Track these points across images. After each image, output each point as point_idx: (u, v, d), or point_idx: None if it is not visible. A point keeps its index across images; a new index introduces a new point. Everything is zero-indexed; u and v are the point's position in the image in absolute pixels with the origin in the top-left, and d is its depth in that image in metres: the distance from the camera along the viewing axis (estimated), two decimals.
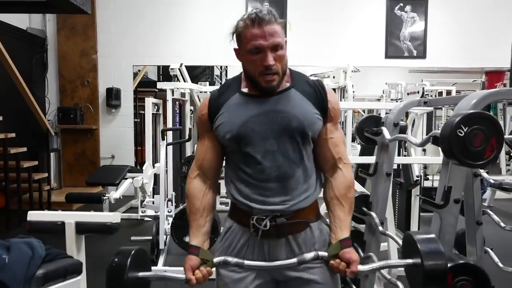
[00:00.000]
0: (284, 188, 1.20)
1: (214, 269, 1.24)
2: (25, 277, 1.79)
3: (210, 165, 1.30)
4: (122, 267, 1.13)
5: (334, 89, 4.17)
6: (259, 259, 1.23)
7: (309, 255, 1.19)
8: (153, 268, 2.37)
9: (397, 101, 5.43)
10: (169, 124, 4.12)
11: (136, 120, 6.32)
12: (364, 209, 1.93)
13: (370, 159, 2.34)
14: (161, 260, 3.29)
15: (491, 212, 2.09)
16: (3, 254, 1.81)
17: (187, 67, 4.73)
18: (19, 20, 5.44)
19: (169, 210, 3.52)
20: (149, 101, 4.31)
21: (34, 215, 2.11)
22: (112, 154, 6.04)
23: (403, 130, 1.94)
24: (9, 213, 4.17)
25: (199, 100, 5.07)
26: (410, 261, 1.13)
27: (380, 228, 1.82)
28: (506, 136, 5.50)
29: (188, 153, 4.67)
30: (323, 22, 5.94)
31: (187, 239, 3.14)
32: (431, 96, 5.70)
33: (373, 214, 1.87)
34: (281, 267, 1.20)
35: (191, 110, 5.03)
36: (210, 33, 5.86)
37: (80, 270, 2.05)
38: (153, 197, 4.13)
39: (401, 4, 5.92)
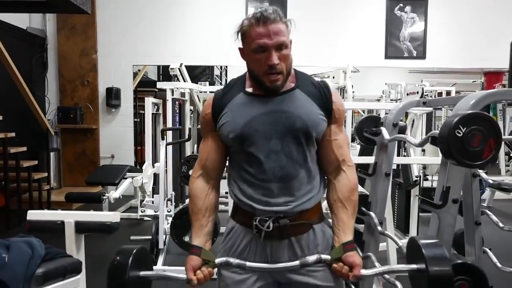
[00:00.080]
0: (287, 189, 1.19)
1: (215, 269, 1.23)
2: (25, 276, 1.79)
3: (213, 165, 1.29)
4: (123, 266, 1.13)
5: None
6: (261, 260, 1.22)
7: (312, 258, 1.18)
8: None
9: (396, 102, 5.43)
10: (169, 124, 4.12)
11: (136, 119, 6.33)
12: (363, 209, 1.93)
13: (369, 159, 2.34)
14: (160, 259, 3.29)
15: (489, 212, 2.10)
16: (3, 253, 1.81)
17: (187, 67, 4.73)
18: (19, 20, 5.44)
19: (169, 210, 3.52)
20: (149, 101, 4.31)
21: (33, 215, 2.11)
22: (112, 154, 6.04)
23: (402, 130, 1.94)
24: (8, 213, 4.17)
25: (199, 100, 5.07)
26: (414, 266, 1.12)
27: (379, 228, 1.82)
28: (506, 136, 5.52)
29: (188, 153, 4.67)
30: (323, 22, 5.94)
31: (186, 238, 3.17)
32: (431, 96, 5.70)
33: (372, 214, 1.88)
34: (283, 270, 1.19)
35: (190, 110, 5.03)
36: (210, 33, 5.87)
37: (80, 269, 2.05)
38: (152, 197, 4.13)
39: (401, 5, 5.92)
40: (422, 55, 5.98)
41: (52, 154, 5.59)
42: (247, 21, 1.17)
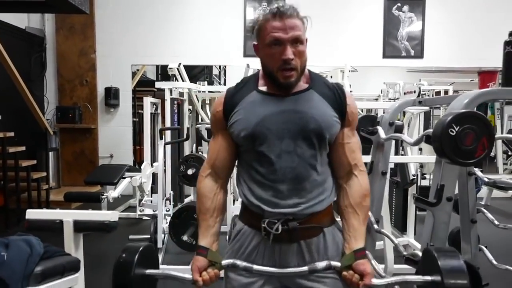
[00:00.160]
0: (298, 190, 1.16)
1: (222, 271, 1.21)
2: (24, 274, 1.80)
3: (222, 164, 1.25)
4: (129, 264, 1.11)
5: None
6: (269, 264, 1.18)
7: (321, 264, 1.14)
8: None
9: (394, 101, 5.44)
10: (168, 124, 4.13)
11: (134, 119, 6.33)
12: None
13: (366, 158, 2.35)
14: (159, 258, 3.31)
15: (485, 210, 2.12)
16: (2, 251, 1.82)
17: (186, 67, 4.74)
18: (18, 20, 5.44)
19: (167, 209, 3.53)
20: (148, 101, 4.33)
21: (32, 214, 2.12)
22: (111, 153, 6.05)
23: (399, 129, 1.96)
24: (7, 212, 4.18)
25: (198, 100, 5.08)
26: (429, 278, 1.05)
27: (376, 226, 1.84)
28: (504, 135, 5.53)
29: (186, 152, 4.68)
30: (321, 22, 5.95)
31: (185, 237, 3.18)
32: (428, 95, 5.72)
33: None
34: (292, 275, 1.16)
35: (189, 109, 5.04)
36: (209, 32, 5.88)
37: (78, 268, 2.06)
38: (151, 196, 4.14)
39: (399, 4, 5.94)
40: (419, 55, 6.00)
41: (51, 153, 5.60)
42: (263, 16, 1.15)
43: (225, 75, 7.91)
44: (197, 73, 7.35)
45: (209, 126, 4.55)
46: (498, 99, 3.52)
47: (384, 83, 6.55)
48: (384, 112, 2.06)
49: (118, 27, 5.94)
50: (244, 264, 1.16)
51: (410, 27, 5.96)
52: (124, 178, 3.93)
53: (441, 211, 1.42)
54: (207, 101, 5.39)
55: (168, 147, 3.92)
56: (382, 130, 1.89)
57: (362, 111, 6.90)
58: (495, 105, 6.65)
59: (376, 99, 6.27)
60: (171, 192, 3.74)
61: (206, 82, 5.39)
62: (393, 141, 2.42)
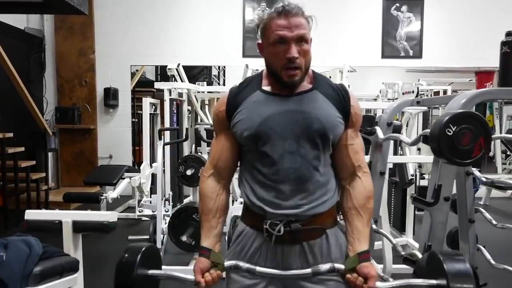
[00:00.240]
0: (300, 191, 1.15)
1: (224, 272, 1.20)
2: (23, 274, 1.81)
3: (225, 164, 1.24)
4: (131, 264, 1.11)
5: None
6: (272, 265, 1.17)
7: (324, 267, 1.14)
8: None
9: (393, 101, 5.45)
10: (167, 124, 4.12)
11: (133, 120, 6.33)
12: None
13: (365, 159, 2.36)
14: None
15: (483, 210, 2.12)
16: (1, 251, 1.83)
17: (185, 67, 4.74)
18: (17, 20, 5.44)
19: (166, 210, 3.53)
20: (147, 101, 4.33)
21: (31, 214, 2.13)
22: (110, 154, 6.05)
23: (397, 129, 1.97)
24: (7, 213, 4.18)
25: (197, 100, 5.08)
26: (434, 282, 1.05)
27: (374, 226, 1.84)
28: (502, 135, 5.54)
29: (186, 152, 4.67)
30: (320, 22, 5.93)
31: (184, 238, 3.18)
32: (427, 95, 5.72)
33: None
34: (295, 277, 1.16)
35: (188, 110, 5.03)
36: (208, 33, 5.88)
37: (77, 268, 2.06)
38: (150, 197, 4.15)
39: (397, 4, 5.95)
40: (418, 55, 6.01)
41: (50, 154, 5.59)
42: (268, 14, 1.15)
43: (224, 76, 7.91)
44: (196, 73, 7.35)
45: (208, 126, 4.56)
46: (495, 99, 3.53)
47: (383, 83, 6.55)
48: (382, 112, 2.06)
49: (117, 27, 5.95)
50: (247, 265, 1.16)
51: (408, 27, 5.98)
52: (123, 178, 3.93)
53: (439, 211, 1.42)
54: (206, 102, 5.39)
55: (167, 147, 3.92)
56: (380, 130, 1.89)
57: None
58: (494, 105, 6.66)
59: (375, 99, 6.28)
60: (170, 192, 3.74)
61: (205, 83, 5.38)
62: (392, 141, 2.43)
